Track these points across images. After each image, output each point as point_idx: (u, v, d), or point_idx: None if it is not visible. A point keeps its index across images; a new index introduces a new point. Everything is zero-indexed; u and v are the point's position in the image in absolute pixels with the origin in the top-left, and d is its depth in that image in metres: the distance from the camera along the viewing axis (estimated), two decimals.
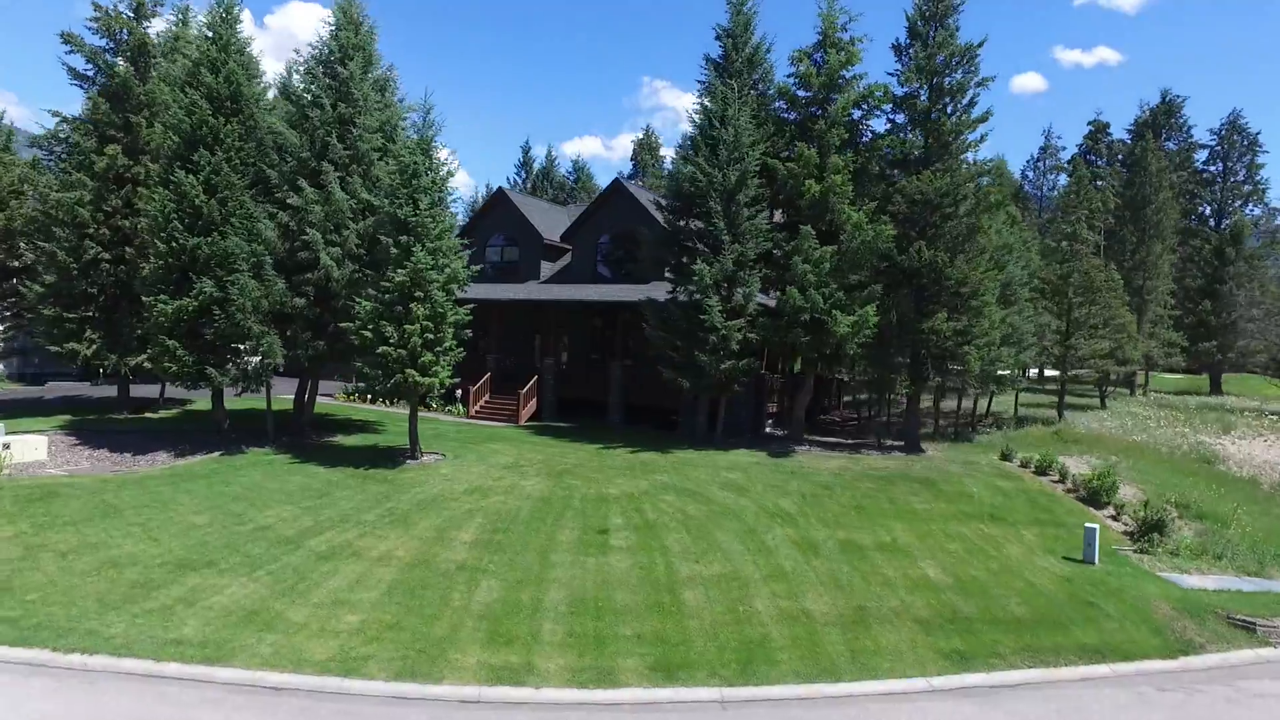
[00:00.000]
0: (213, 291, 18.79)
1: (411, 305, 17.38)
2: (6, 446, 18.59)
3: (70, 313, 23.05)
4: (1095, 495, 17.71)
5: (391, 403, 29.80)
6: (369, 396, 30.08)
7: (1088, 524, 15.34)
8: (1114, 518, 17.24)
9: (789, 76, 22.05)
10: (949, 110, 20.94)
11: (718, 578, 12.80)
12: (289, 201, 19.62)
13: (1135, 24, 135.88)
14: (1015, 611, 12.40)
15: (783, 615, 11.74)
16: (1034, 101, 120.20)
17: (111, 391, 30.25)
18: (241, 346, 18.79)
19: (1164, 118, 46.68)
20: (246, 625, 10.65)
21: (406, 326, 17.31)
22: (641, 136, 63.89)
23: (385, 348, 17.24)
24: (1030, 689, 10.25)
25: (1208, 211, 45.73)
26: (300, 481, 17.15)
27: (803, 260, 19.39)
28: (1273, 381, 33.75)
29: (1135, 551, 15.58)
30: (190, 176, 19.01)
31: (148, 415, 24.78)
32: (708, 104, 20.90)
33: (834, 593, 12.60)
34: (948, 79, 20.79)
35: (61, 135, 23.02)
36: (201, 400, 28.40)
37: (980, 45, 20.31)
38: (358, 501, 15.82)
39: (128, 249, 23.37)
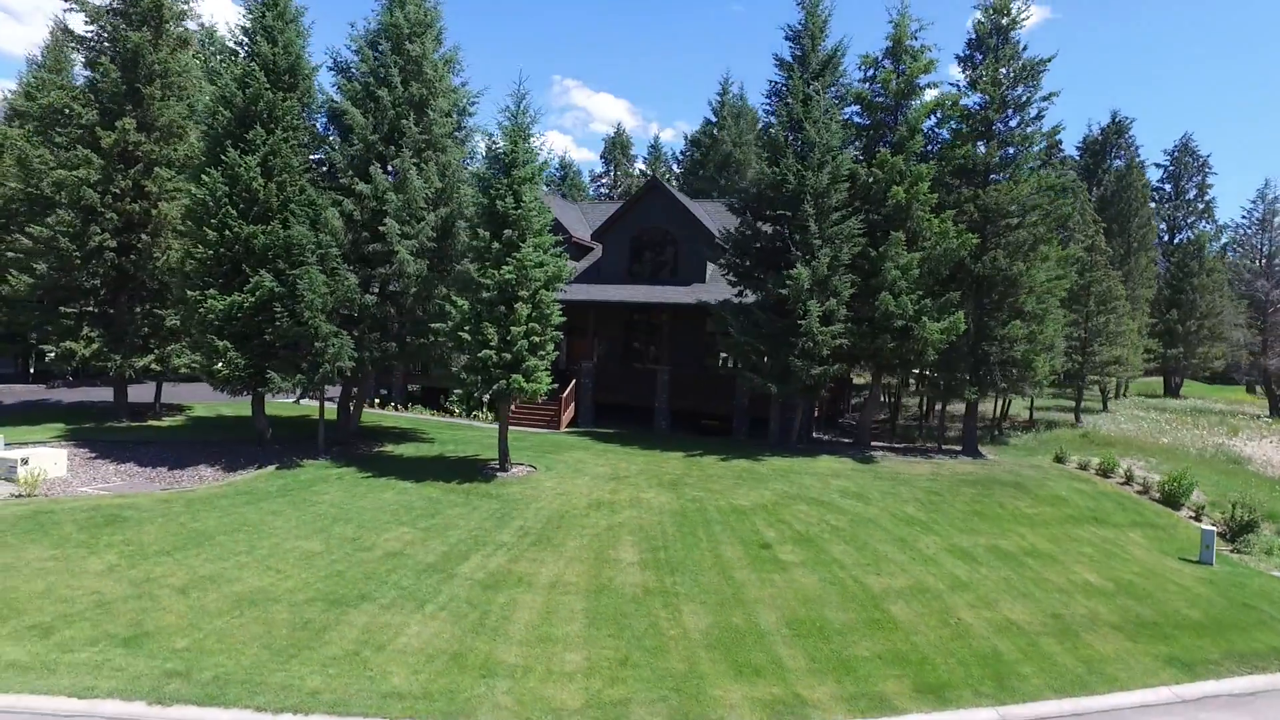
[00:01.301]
0: (273, 286, 16.80)
1: (516, 305, 16.10)
2: (25, 461, 15.99)
3: (68, 307, 20.15)
4: (1172, 497, 18.54)
5: (407, 407, 27.93)
6: (387, 402, 28.07)
7: (1205, 526, 16.02)
8: (1194, 518, 18.09)
9: (861, 81, 22.05)
10: (1015, 123, 21.53)
11: (908, 590, 12.45)
12: (355, 188, 17.80)
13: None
14: (1189, 615, 12.67)
15: (994, 627, 11.51)
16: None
17: (76, 396, 26.80)
18: (318, 346, 16.82)
19: (1114, 136, 50.45)
20: (460, 671, 9.37)
21: (513, 329, 16.03)
22: (614, 134, 63.01)
23: (487, 351, 15.90)
24: (1273, 695, 10.43)
25: (1162, 227, 49.90)
26: (394, 499, 15.54)
27: (894, 266, 19.37)
28: (1251, 390, 37.00)
29: (1232, 551, 16.36)
30: (246, 157, 16.92)
31: (152, 423, 22.03)
32: (791, 105, 20.54)
33: (1022, 601, 12.49)
34: (1012, 93, 21.36)
35: (58, 105, 20.00)
36: (202, 405, 25.60)
37: (1049, 60, 20.97)
38: (478, 520, 14.46)
39: (142, 235, 20.70)
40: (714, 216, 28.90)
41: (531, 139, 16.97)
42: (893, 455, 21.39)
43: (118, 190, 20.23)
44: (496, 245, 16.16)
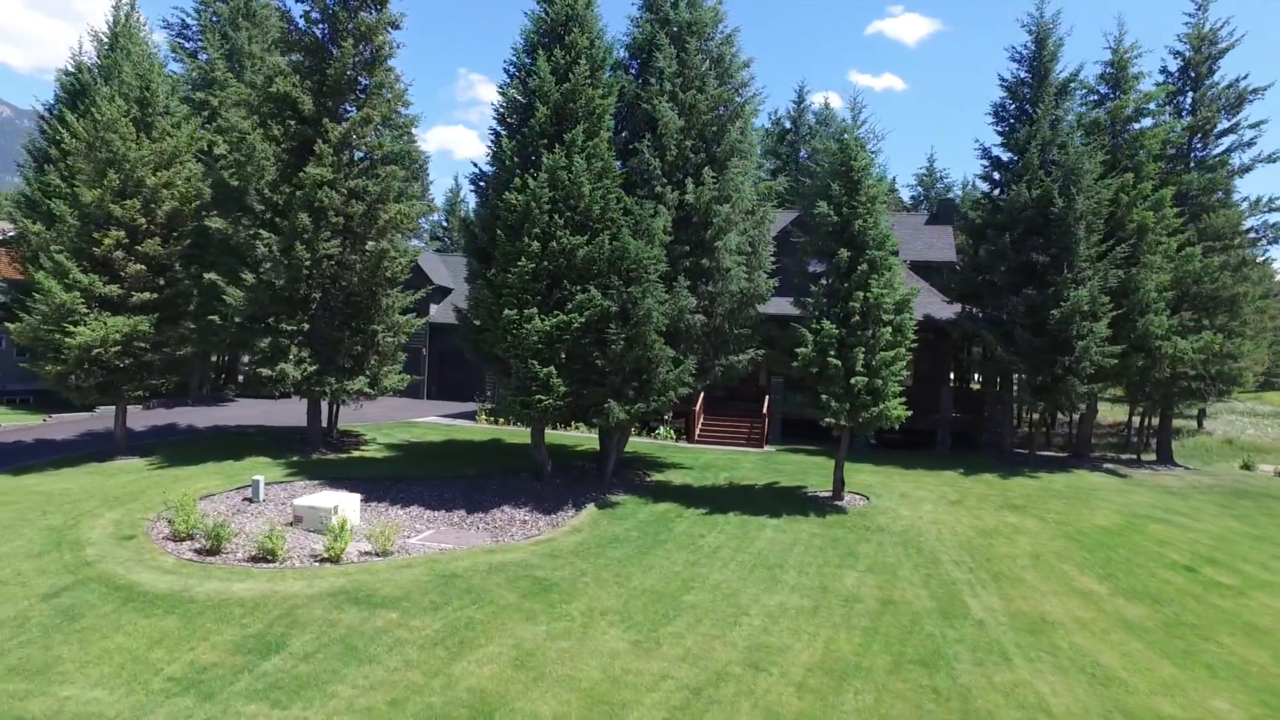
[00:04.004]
0: (606, 304, 15.65)
1: (880, 330, 15.82)
2: (336, 510, 14.16)
3: (286, 324, 17.90)
4: None
5: (557, 425, 26.57)
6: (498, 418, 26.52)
7: None
8: None
9: (1082, 106, 23.03)
10: (1217, 151, 23.22)
11: None
12: (667, 196, 16.84)
13: (914, 56, 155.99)
14: None
15: None
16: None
17: (202, 419, 23.80)
18: (659, 371, 15.81)
19: None
20: None
21: (881, 354, 15.74)
22: None
23: (859, 378, 15.52)
24: None
25: None
26: (779, 538, 14.79)
27: (1153, 288, 20.43)
28: None
29: None
30: (576, 159, 15.65)
31: (356, 454, 19.90)
32: (1035, 127, 21.18)
33: None
34: (1221, 120, 23.03)
35: (281, 93, 17.64)
36: (370, 429, 23.32)
37: (1264, 90, 22.70)
38: (902, 558, 14.02)
39: (369, 242, 18.70)
40: None
41: (873, 153, 16.65)
42: (1124, 467, 22.55)
43: (344, 191, 18.15)
44: (863, 266, 15.77)
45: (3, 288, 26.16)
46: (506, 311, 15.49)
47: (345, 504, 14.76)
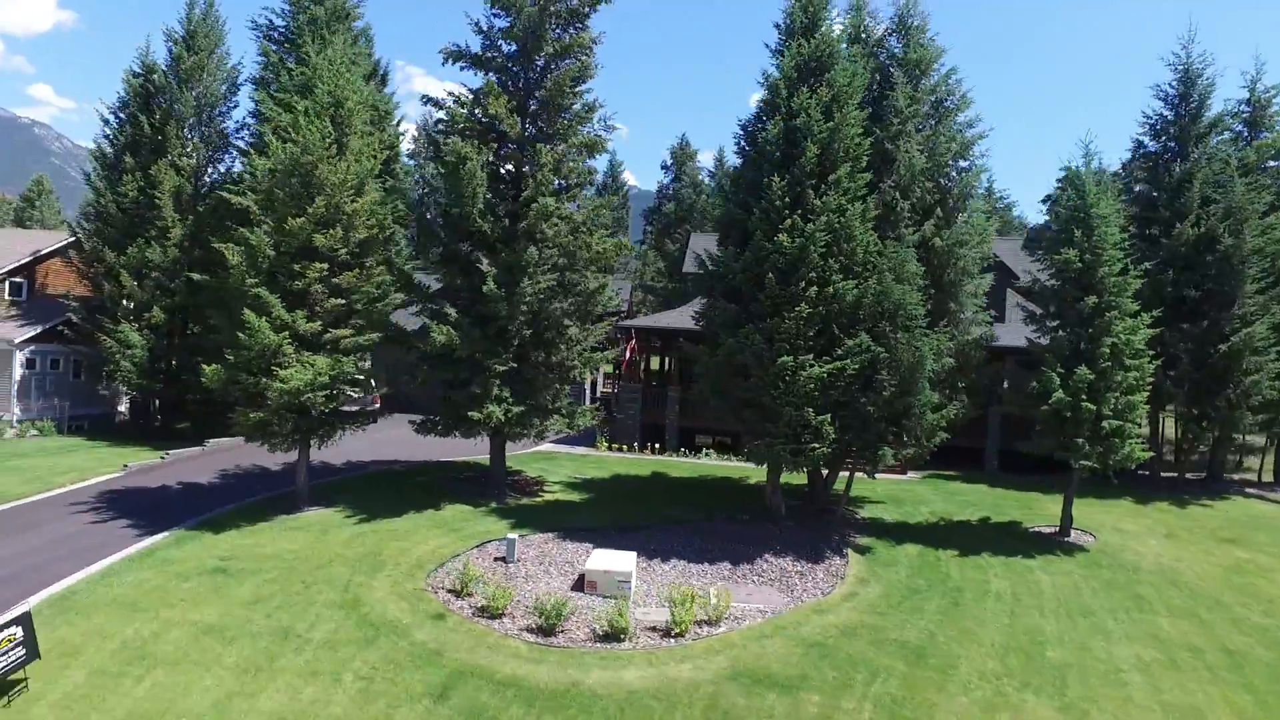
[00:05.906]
0: (878, 350, 15.98)
1: (1126, 374, 16.84)
2: (632, 575, 14.02)
3: (497, 364, 17.33)
4: None
5: (679, 452, 26.67)
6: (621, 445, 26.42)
7: None
8: None
9: (1223, 143, 24.75)
10: None
11: None
12: (907, 238, 17.28)
13: None
14: None
15: None
16: None
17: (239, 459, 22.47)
18: (928, 416, 16.24)
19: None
20: None
21: (1130, 396, 16.76)
22: (677, 145, 63.82)
23: (1107, 420, 16.49)
24: None
25: None
26: (1056, 581, 15.64)
27: None
28: None
29: None
30: (855, 203, 15.87)
31: (545, 497, 19.42)
32: (1186, 166, 22.79)
33: None
34: None
35: (491, 114, 16.93)
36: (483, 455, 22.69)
37: None
38: (1194, 602, 15.03)
39: (576, 276, 18.27)
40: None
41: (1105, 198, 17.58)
42: (1265, 491, 24.53)
43: (558, 220, 17.68)
44: (1112, 313, 16.70)
45: (73, 307, 23.75)
46: (782, 358, 15.54)
47: (630, 565, 14.49)
